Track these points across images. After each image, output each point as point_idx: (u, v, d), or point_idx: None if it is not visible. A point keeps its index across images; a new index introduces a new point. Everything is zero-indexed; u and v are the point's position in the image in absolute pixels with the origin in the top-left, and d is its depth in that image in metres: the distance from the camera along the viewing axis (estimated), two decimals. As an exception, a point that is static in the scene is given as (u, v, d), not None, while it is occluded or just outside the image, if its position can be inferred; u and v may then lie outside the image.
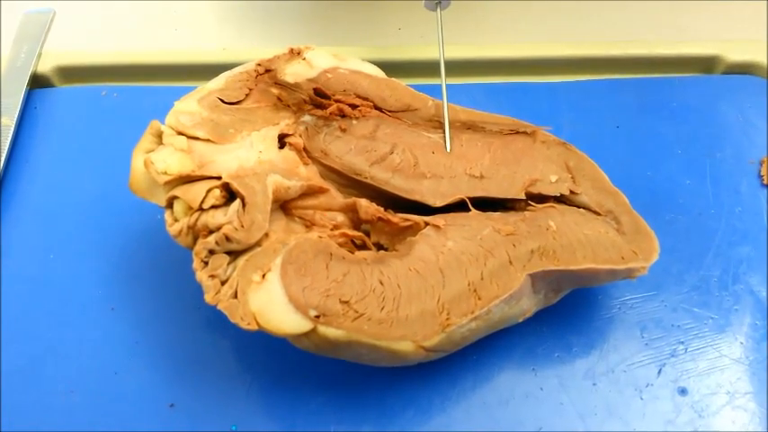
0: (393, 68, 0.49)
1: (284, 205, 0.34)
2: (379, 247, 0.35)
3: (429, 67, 0.49)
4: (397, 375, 0.36)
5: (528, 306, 0.34)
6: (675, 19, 0.53)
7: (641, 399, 0.36)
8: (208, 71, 0.48)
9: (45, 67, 0.50)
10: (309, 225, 0.34)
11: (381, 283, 0.31)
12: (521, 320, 0.34)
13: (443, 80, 0.40)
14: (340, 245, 0.33)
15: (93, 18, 0.53)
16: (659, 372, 0.37)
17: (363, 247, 0.34)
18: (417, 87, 0.48)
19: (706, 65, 0.50)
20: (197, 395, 0.36)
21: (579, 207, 0.36)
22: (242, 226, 0.31)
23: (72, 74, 0.50)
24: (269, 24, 0.53)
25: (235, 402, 0.36)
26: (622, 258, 0.33)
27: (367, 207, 0.34)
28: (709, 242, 0.42)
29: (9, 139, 0.45)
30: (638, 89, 0.49)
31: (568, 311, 0.38)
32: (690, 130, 0.47)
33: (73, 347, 0.38)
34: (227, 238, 0.30)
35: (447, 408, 0.36)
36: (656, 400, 0.36)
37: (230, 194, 0.32)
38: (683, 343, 0.38)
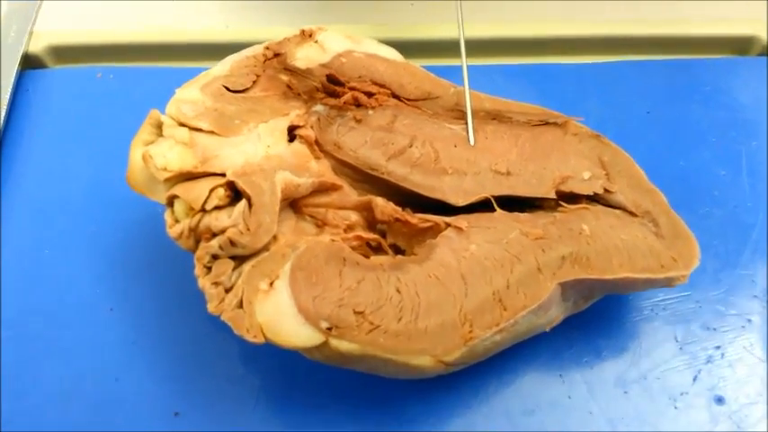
0: (406, 48, 0.45)
1: (294, 203, 0.32)
2: (396, 249, 0.32)
3: (445, 47, 0.46)
4: (417, 382, 0.34)
5: (556, 314, 0.31)
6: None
7: (675, 408, 0.34)
8: (210, 51, 0.46)
9: (37, 46, 0.47)
10: (321, 225, 0.32)
11: (399, 292, 0.29)
12: (548, 330, 0.32)
13: (464, 65, 0.37)
14: (353, 248, 0.30)
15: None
16: (694, 379, 0.35)
17: (379, 249, 0.32)
18: (433, 69, 0.46)
19: (741, 46, 0.48)
20: (203, 403, 0.34)
21: (614, 207, 0.33)
22: (248, 229, 0.28)
23: (66, 54, 0.47)
24: (274, 1, 0.49)
25: (243, 410, 0.34)
26: (662, 266, 0.30)
27: (383, 207, 0.31)
28: (746, 238, 0.39)
29: (0, 123, 0.42)
30: (669, 71, 0.47)
31: (597, 313, 0.36)
32: (724, 116, 0.44)
33: (70, 351, 0.35)
34: (232, 243, 0.28)
35: (468, 416, 0.34)
36: (692, 410, 0.34)
37: (235, 194, 0.29)
38: (719, 348, 0.36)
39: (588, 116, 0.44)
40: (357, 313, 0.28)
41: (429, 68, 0.46)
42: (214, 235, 0.28)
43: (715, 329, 0.36)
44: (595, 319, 0.36)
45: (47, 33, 0.47)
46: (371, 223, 0.32)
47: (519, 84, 0.46)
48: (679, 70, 0.46)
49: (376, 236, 0.31)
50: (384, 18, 0.48)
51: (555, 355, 0.35)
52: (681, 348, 0.36)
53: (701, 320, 0.36)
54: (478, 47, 0.47)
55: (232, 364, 0.35)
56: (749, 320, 0.36)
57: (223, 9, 0.49)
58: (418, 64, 0.47)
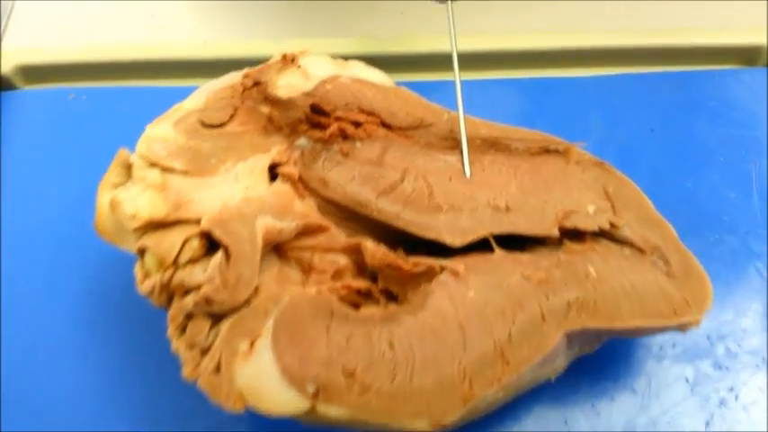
0: (396, 63, 0.44)
1: (278, 247, 0.29)
2: (389, 294, 0.30)
3: (436, 61, 0.45)
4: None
5: (562, 363, 0.29)
6: (715, 5, 0.47)
7: (688, 457, 0.32)
8: (188, 68, 0.45)
9: (5, 66, 0.44)
10: (307, 270, 0.29)
11: (392, 347, 0.27)
12: (553, 379, 0.30)
13: (458, 83, 0.34)
14: (342, 298, 0.28)
15: (58, 10, 0.48)
16: (707, 424, 0.33)
17: (370, 295, 0.29)
18: (424, 85, 0.44)
19: (748, 55, 0.46)
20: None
21: (621, 242, 0.31)
22: (225, 284, 0.26)
23: (36, 74, 0.45)
24: (255, 13, 0.47)
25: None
26: (674, 311, 0.28)
27: (374, 252, 0.29)
28: (760, 268, 0.37)
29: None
30: (674, 84, 0.45)
31: (603, 351, 0.34)
32: (732, 132, 0.43)
33: (40, 401, 0.33)
34: (208, 300, 0.25)
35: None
36: (704, 459, 0.32)
37: (212, 243, 0.27)
38: (732, 390, 0.33)
39: (588, 134, 0.42)
40: (347, 374, 0.26)
41: (420, 84, 0.44)
42: (188, 291, 0.26)
43: (728, 368, 0.34)
44: (601, 357, 0.34)
45: (15, 52, 0.45)
46: (361, 266, 0.30)
47: (514, 98, 0.44)
48: (684, 83, 0.45)
49: (366, 283, 0.29)
50: (371, 29, 0.46)
51: (559, 400, 0.33)
52: (692, 390, 0.33)
53: (712, 358, 0.34)
54: (472, 60, 0.45)
55: (213, 413, 0.33)
56: (763, 358, 0.34)
57: (201, 23, 0.46)
58: (409, 79, 0.45)
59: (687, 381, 0.34)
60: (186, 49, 0.44)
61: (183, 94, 0.33)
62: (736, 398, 0.33)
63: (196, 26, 0.47)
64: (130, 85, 0.45)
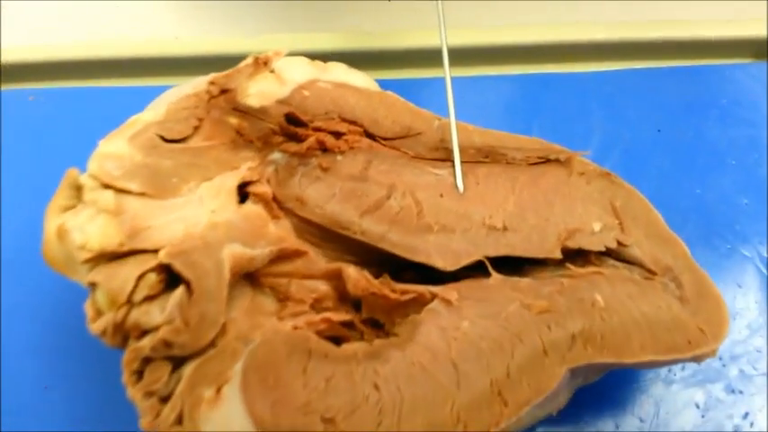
0: (382, 59, 0.42)
1: (250, 273, 0.26)
2: (374, 323, 0.27)
3: (426, 57, 0.42)
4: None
5: (564, 398, 0.27)
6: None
7: (699, 492, 0.29)
8: (158, 65, 0.42)
9: (-43, 66, 0.40)
10: (283, 299, 0.26)
11: (377, 388, 0.24)
12: (555, 414, 0.27)
13: (448, 83, 0.31)
14: (321, 332, 0.25)
15: (13, 5, 0.43)
16: (719, 454, 0.30)
17: (352, 326, 0.26)
18: (414, 82, 0.41)
19: (763, 49, 0.43)
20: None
21: (629, 263, 0.28)
22: (187, 325, 0.23)
23: (-9, 74, 0.41)
24: (231, 6, 0.43)
25: None
26: (689, 343, 0.26)
27: (356, 280, 0.26)
28: (774, 280, 0.35)
29: None
30: (681, 80, 0.42)
31: (607, 376, 0.31)
32: (744, 133, 0.40)
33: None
34: (167, 343, 0.22)
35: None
36: (717, 493, 0.29)
37: (172, 276, 0.24)
38: (747, 416, 0.32)
39: (590, 135, 0.40)
40: (326, 421, 0.23)
41: (409, 82, 0.41)
42: (145, 333, 0.23)
43: (741, 392, 0.32)
44: (605, 383, 0.31)
45: (-33, 51, 0.41)
46: (344, 293, 0.27)
47: (510, 96, 0.42)
48: (692, 79, 0.42)
49: (348, 315, 0.26)
50: (357, 23, 0.43)
51: (559, 430, 0.31)
52: (703, 416, 0.31)
53: (725, 382, 0.32)
54: (464, 55, 0.42)
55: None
56: (781, 382, 0.32)
57: (172, 17, 0.43)
58: (396, 76, 0.42)
59: (698, 407, 0.32)
60: (155, 45, 0.41)
61: (154, 94, 0.30)
62: (752, 424, 0.31)
63: (166, 20, 0.43)
64: (95, 86, 0.42)
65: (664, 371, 0.32)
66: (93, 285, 0.24)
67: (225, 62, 0.31)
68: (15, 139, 0.39)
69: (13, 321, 0.34)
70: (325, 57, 0.32)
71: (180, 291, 0.23)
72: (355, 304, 0.27)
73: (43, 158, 0.38)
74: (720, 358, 0.33)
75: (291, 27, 0.42)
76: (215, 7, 0.43)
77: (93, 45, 0.41)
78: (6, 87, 0.41)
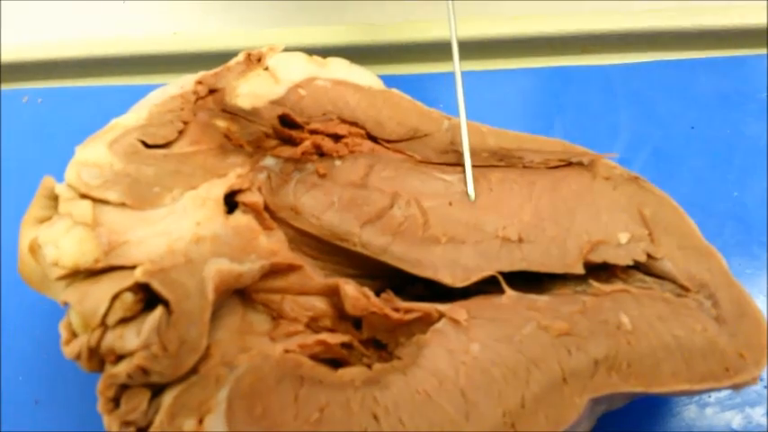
0: (389, 52, 0.40)
1: (242, 289, 0.24)
2: (377, 344, 0.25)
3: (438, 49, 0.39)
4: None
5: (586, 428, 0.24)
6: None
7: None
8: (155, 63, 0.41)
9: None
10: (277, 317, 0.24)
11: (376, 419, 0.22)
12: (576, 446, 0.24)
13: (460, 95, 0.28)
14: (316, 355, 0.23)
15: (7, 4, 0.43)
16: (760, 488, 0.27)
17: (351, 347, 0.24)
18: (423, 77, 0.38)
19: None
20: None
21: (660, 278, 0.25)
22: (165, 350, 0.21)
23: (-15, 74, 0.40)
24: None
25: None
26: (726, 370, 0.23)
27: (355, 298, 0.24)
28: (821, 292, 0.32)
29: None
30: (716, 72, 0.39)
31: (636, 399, 0.29)
32: None
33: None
34: (144, 370, 0.20)
35: None
36: None
37: (151, 295, 0.22)
38: (789, 444, 0.28)
39: (616, 134, 0.37)
40: (319, 456, 0.21)
41: (419, 77, 0.39)
42: (121, 357, 0.21)
43: (784, 418, 0.29)
44: (634, 406, 0.29)
45: (-39, 50, 0.40)
46: (343, 311, 0.25)
47: (529, 92, 0.40)
48: (729, 70, 0.39)
49: (346, 337, 0.24)
50: (364, 16, 0.40)
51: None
52: (740, 443, 0.28)
53: (765, 406, 0.29)
54: (480, 48, 0.40)
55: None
56: (829, 407, 0.29)
57: (169, 11, 0.41)
58: (406, 71, 0.40)
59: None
60: (152, 42, 0.40)
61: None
62: (796, 455, 0.28)
63: (163, 15, 0.42)
64: (92, 85, 0.40)
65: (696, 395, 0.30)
66: (67, 305, 0.22)
67: (226, 58, 0.30)
68: (12, 139, 0.38)
69: (3, 335, 0.33)
70: (330, 52, 0.31)
71: (158, 313, 0.21)
72: (356, 322, 0.25)
73: (40, 158, 0.37)
74: (762, 379, 0.30)
75: (294, 21, 0.40)
76: (215, 1, 0.41)
77: (90, 43, 0.40)
78: (2, 87, 0.40)
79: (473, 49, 0.39)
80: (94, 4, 0.41)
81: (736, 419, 0.29)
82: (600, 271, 0.26)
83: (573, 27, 0.39)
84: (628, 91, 0.38)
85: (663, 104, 0.38)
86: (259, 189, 0.25)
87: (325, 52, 0.30)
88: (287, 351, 0.23)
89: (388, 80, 0.30)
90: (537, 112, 0.38)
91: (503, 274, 0.25)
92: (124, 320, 0.21)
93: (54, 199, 0.24)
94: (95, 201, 0.23)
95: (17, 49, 0.40)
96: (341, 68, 0.28)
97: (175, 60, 0.39)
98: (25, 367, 0.32)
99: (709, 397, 0.30)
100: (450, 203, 0.26)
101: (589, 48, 0.40)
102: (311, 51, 0.30)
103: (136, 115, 0.25)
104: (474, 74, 0.39)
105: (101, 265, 0.22)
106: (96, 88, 0.40)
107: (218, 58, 0.35)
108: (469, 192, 0.26)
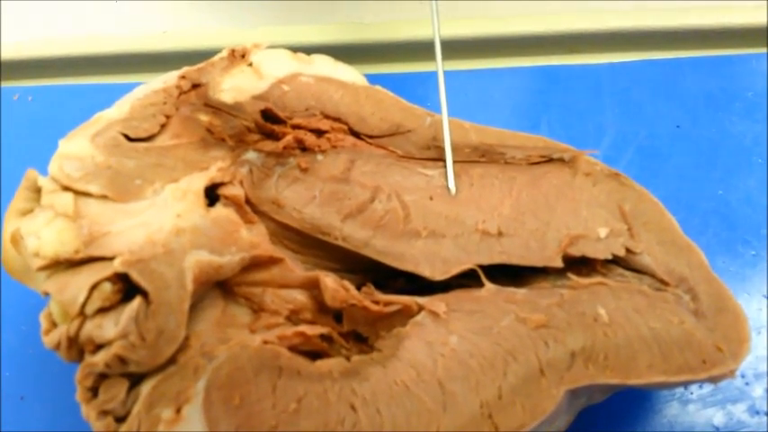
0: (374, 51, 0.40)
1: (223, 282, 0.24)
2: (357, 337, 0.25)
3: (424, 48, 0.39)
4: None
5: (564, 421, 0.24)
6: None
7: None
8: (145, 61, 0.41)
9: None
10: (258, 310, 0.24)
11: (354, 410, 0.22)
12: (554, 438, 0.24)
13: (442, 87, 0.28)
14: (296, 347, 0.23)
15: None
16: (739, 482, 0.28)
17: (332, 339, 0.24)
18: (408, 76, 0.38)
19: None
20: None
21: (639, 272, 0.25)
22: (143, 340, 0.21)
23: (-26, 72, 0.40)
24: (221, -2, 0.42)
25: None
26: (703, 363, 0.23)
27: (334, 291, 0.24)
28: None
29: None
30: (702, 71, 0.39)
31: (617, 395, 0.29)
32: None
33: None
34: (122, 360, 0.21)
35: None
36: None
37: (131, 286, 0.22)
38: (771, 440, 0.28)
39: (602, 133, 0.38)
40: (296, 446, 0.21)
41: (405, 76, 0.39)
42: (99, 347, 0.21)
43: (767, 414, 0.29)
44: (615, 402, 0.29)
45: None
46: (323, 304, 0.25)
47: (516, 91, 0.40)
48: (714, 70, 0.39)
49: (326, 329, 0.24)
50: (352, 13, 0.40)
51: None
52: (721, 440, 0.28)
53: (748, 402, 0.30)
54: (467, 47, 0.40)
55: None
56: (810, 402, 0.29)
57: (159, 10, 0.41)
58: (391, 70, 0.40)
59: (717, 429, 0.29)
60: (142, 41, 0.40)
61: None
62: (778, 450, 0.28)
63: (154, 13, 0.42)
64: (82, 83, 0.40)
65: (679, 389, 0.30)
66: (48, 295, 0.22)
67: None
68: (2, 137, 0.38)
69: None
70: (317, 51, 0.31)
71: (136, 302, 0.21)
72: (337, 315, 0.25)
73: (31, 156, 0.36)
74: (743, 376, 0.30)
75: (283, 19, 0.40)
76: (205, 0, 0.41)
77: (80, 41, 0.40)
78: (-6, 85, 0.40)
79: (460, 48, 0.39)
80: (85, 3, 0.42)
81: (717, 416, 0.29)
82: (580, 265, 0.26)
83: (560, 26, 0.40)
84: (614, 90, 0.38)
85: (649, 103, 0.38)
86: (241, 182, 0.25)
87: (312, 51, 0.30)
88: (266, 342, 0.23)
89: (376, 79, 0.31)
90: (524, 111, 0.38)
91: (483, 267, 0.25)
92: (103, 310, 0.21)
93: (37, 191, 0.24)
94: (77, 193, 0.23)
95: (7, 48, 0.40)
96: (325, 65, 0.28)
97: (165, 59, 0.39)
98: (11, 363, 0.32)
99: (691, 394, 0.30)
100: (431, 198, 0.26)
101: (576, 47, 0.41)
102: (299, 50, 0.30)
103: (119, 109, 0.25)
104: (461, 73, 0.39)
105: (81, 255, 0.22)
106: (87, 86, 0.40)
107: (208, 57, 0.35)
108: (450, 186, 0.26)
